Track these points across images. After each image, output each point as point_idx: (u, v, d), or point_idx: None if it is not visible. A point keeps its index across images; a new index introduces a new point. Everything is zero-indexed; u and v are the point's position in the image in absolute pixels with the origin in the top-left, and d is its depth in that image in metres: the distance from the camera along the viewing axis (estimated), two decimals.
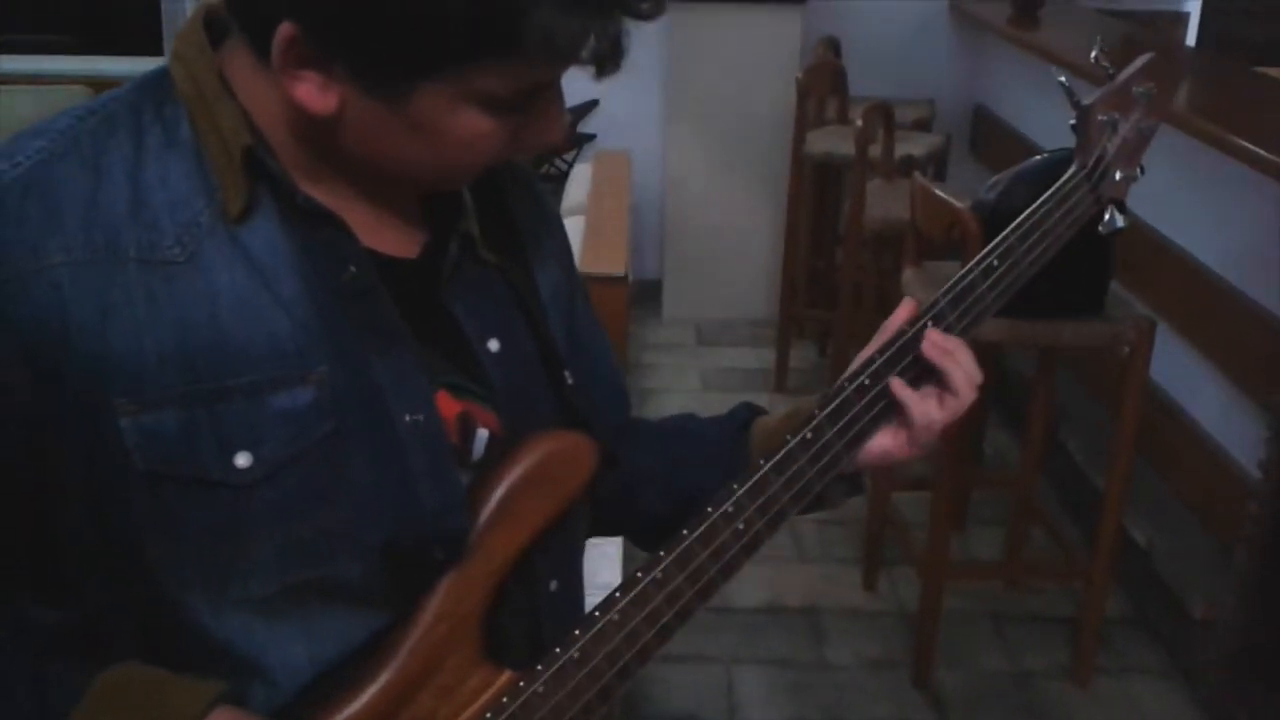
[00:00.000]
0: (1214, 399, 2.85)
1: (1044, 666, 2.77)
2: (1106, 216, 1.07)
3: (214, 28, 0.85)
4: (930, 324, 0.98)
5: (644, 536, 1.11)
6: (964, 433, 2.87)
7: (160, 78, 0.85)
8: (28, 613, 0.86)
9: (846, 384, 0.97)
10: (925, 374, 0.98)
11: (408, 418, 0.85)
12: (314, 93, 0.79)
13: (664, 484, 1.09)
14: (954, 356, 0.97)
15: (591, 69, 0.81)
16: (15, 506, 0.82)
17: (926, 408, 0.97)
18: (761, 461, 0.94)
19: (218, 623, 0.83)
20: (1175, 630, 2.78)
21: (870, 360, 0.97)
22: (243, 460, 0.80)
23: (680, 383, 4.16)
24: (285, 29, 0.76)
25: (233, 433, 0.80)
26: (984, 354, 1.09)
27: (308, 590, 0.84)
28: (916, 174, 2.80)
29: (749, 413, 1.10)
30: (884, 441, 0.99)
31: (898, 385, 0.97)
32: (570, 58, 0.79)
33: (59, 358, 0.78)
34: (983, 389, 1.00)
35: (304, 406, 0.81)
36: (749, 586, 3.00)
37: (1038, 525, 3.01)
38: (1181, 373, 2.94)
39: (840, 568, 3.12)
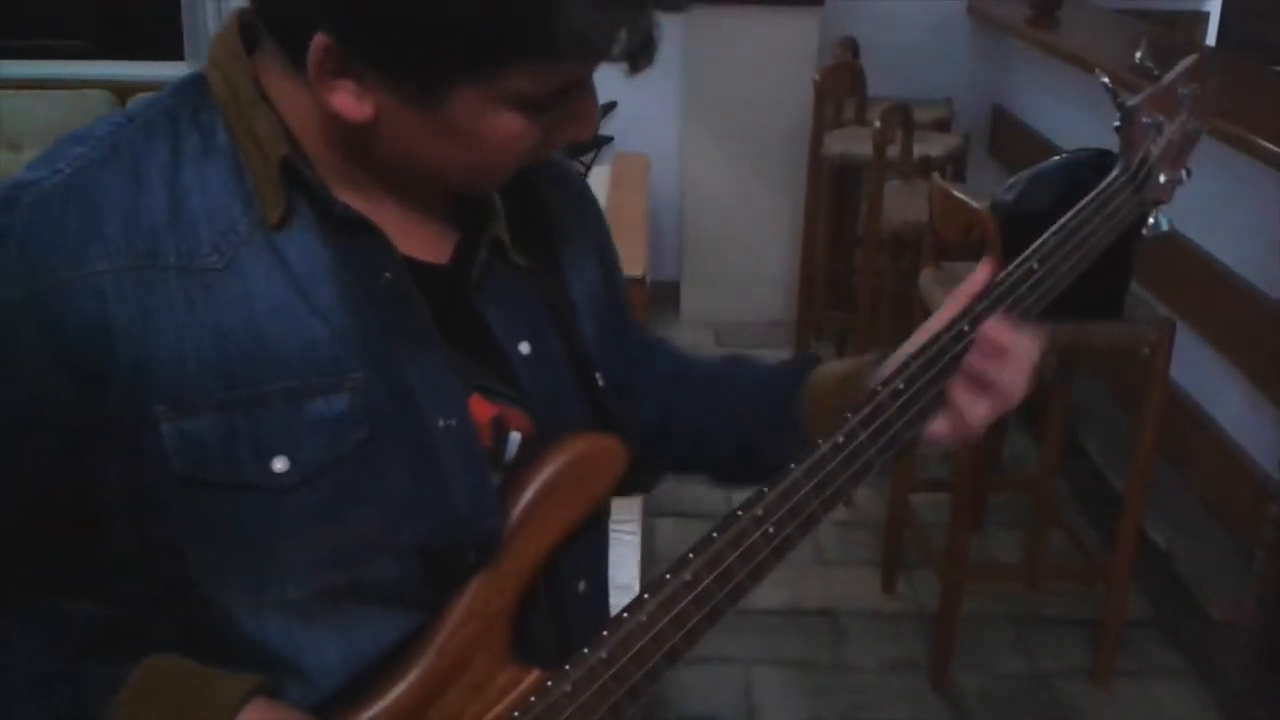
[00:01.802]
0: (1234, 400, 2.84)
1: (1063, 668, 2.76)
2: (1151, 220, 1.05)
3: (249, 33, 0.86)
4: (968, 327, 0.95)
5: (716, 477, 1.12)
6: (984, 434, 2.87)
7: (197, 83, 0.86)
8: (69, 610, 0.87)
9: (881, 388, 0.95)
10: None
11: (441, 422, 0.86)
12: (350, 101, 0.80)
13: (726, 428, 1.08)
14: (1005, 358, 0.93)
15: (624, 65, 0.81)
16: (57, 508, 0.84)
17: (973, 410, 0.94)
18: (793, 466, 0.93)
19: (256, 623, 0.84)
20: (1195, 632, 2.77)
21: (905, 365, 0.95)
22: (280, 465, 0.81)
23: None
24: (320, 39, 0.77)
25: (270, 438, 0.81)
26: None
27: (343, 592, 0.85)
28: (935, 175, 2.80)
29: (806, 364, 1.06)
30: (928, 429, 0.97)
31: (952, 388, 0.94)
32: (602, 55, 0.79)
33: (101, 363, 0.79)
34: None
35: (340, 412, 0.82)
36: (768, 588, 2.95)
37: (1056, 527, 3.01)
38: (1202, 374, 2.93)
39: (859, 569, 3.11)
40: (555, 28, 0.75)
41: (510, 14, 0.74)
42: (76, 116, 4.49)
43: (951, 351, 0.95)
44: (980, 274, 0.96)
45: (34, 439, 0.81)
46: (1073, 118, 3.83)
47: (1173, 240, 3.00)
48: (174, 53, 4.62)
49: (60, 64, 4.67)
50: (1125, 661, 2.75)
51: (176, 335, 0.79)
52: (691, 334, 4.56)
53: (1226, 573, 2.73)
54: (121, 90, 4.49)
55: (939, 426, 0.97)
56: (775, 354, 4.34)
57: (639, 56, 0.80)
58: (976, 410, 0.94)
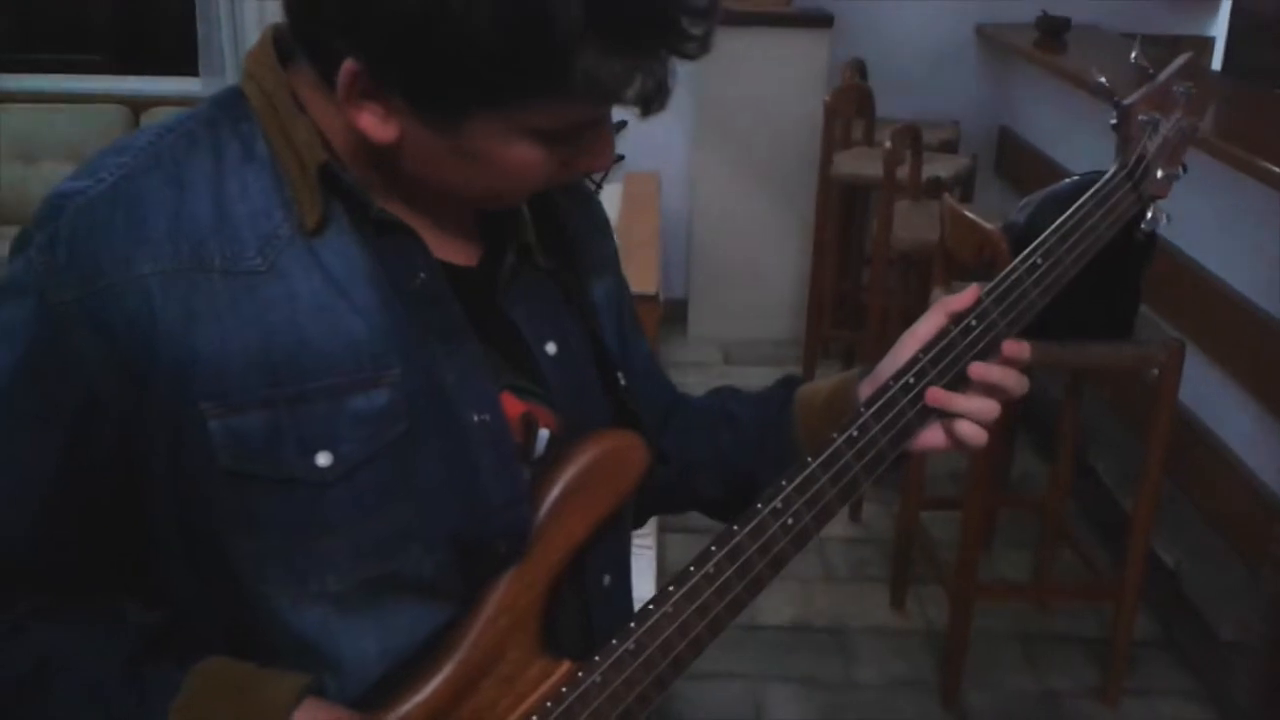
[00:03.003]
0: (1243, 421, 2.85)
1: (1072, 687, 2.77)
2: (1149, 215, 1.08)
3: (282, 46, 0.88)
4: (975, 322, 1.00)
5: (710, 513, 1.15)
6: (991, 453, 2.88)
7: (234, 96, 0.89)
8: (123, 611, 0.89)
9: (892, 382, 0.99)
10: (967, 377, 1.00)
11: (475, 417, 0.88)
12: (375, 123, 0.82)
13: (716, 470, 1.13)
14: (1002, 384, 1.00)
15: (637, 109, 0.83)
16: (108, 505, 0.86)
17: (975, 417, 1.00)
18: (809, 459, 0.96)
19: (296, 615, 0.86)
20: (1203, 652, 2.78)
21: (915, 359, 0.99)
22: (323, 459, 0.83)
23: None
24: (349, 65, 0.80)
25: (313, 433, 0.83)
26: None
27: (381, 584, 0.87)
28: (946, 195, 2.82)
29: (788, 390, 1.12)
30: (929, 438, 1.01)
31: (941, 395, 0.99)
32: (616, 97, 0.81)
33: (147, 363, 0.81)
34: (1012, 410, 1.01)
35: (380, 407, 0.84)
36: (777, 604, 3.01)
37: (1066, 546, 3.02)
38: (1210, 395, 2.95)
39: (868, 586, 3.12)
40: (570, 70, 0.77)
41: (527, 54, 0.76)
42: (91, 131, 4.53)
43: (959, 346, 1.00)
44: (967, 293, 1.01)
45: (88, 437, 0.83)
46: (1079, 139, 3.85)
47: (1182, 262, 3.03)
48: (189, 69, 4.65)
49: (75, 78, 4.71)
50: (1134, 681, 2.75)
51: (222, 335, 0.82)
52: (699, 352, 4.58)
53: (1235, 593, 2.74)
54: (136, 105, 4.53)
55: (936, 437, 1.01)
56: (783, 371, 4.35)
57: (652, 101, 0.82)
58: (968, 429, 1.00)
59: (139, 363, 0.81)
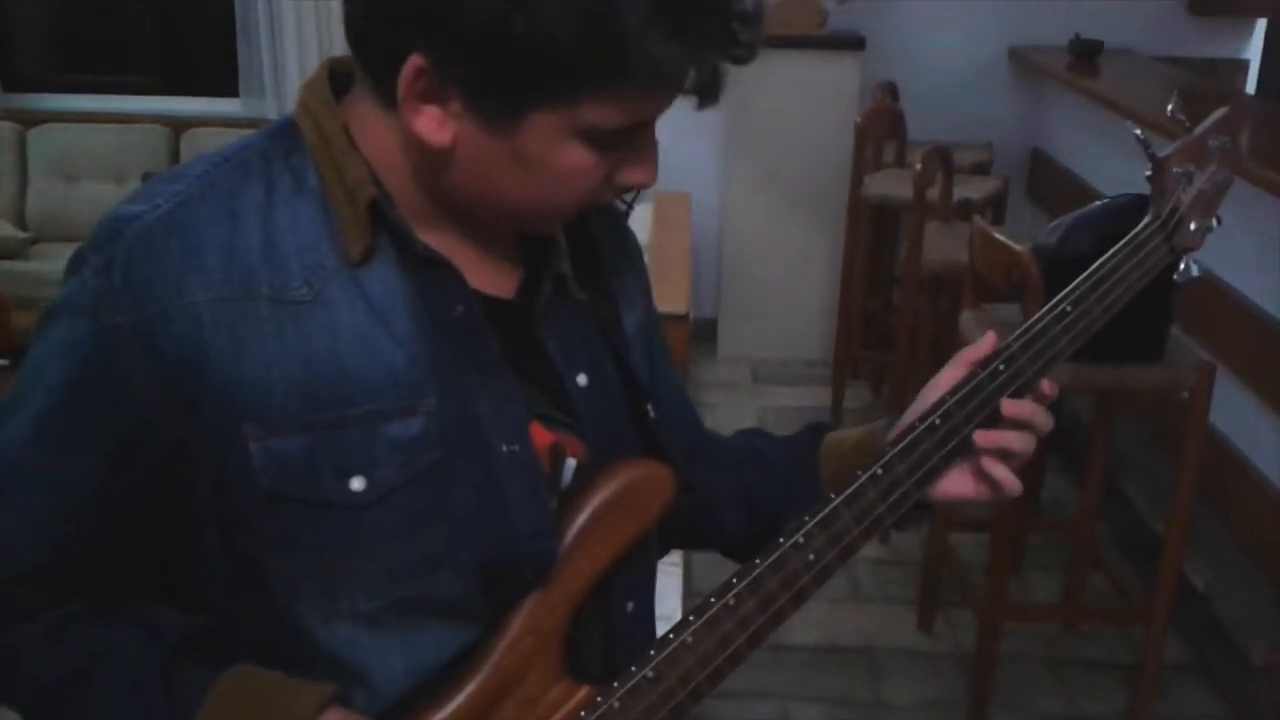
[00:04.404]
0: (1274, 443, 2.84)
1: (1101, 711, 2.75)
2: (1182, 266, 1.09)
3: (337, 81, 0.91)
4: (1003, 367, 1.01)
5: (731, 552, 1.16)
6: (1021, 476, 2.88)
7: (288, 128, 0.91)
8: (160, 616, 0.92)
9: (918, 423, 1.00)
10: (996, 418, 1.01)
11: (505, 447, 0.91)
12: (432, 126, 0.84)
13: (742, 508, 1.14)
14: (1032, 420, 1.02)
15: (694, 99, 0.85)
16: (152, 519, 0.89)
17: (1004, 468, 1.02)
18: (833, 495, 0.98)
19: (326, 632, 0.89)
20: (1233, 677, 2.76)
21: (942, 401, 1.01)
22: (358, 484, 0.86)
23: (736, 422, 4.18)
24: (414, 60, 0.81)
25: (350, 459, 0.85)
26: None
27: (410, 605, 0.89)
28: (976, 218, 2.83)
29: (816, 435, 1.14)
30: (958, 486, 1.03)
31: (981, 437, 1.01)
32: (675, 86, 0.83)
33: (196, 387, 0.84)
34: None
35: (414, 435, 0.87)
36: (805, 625, 3.01)
37: (1095, 569, 3.01)
38: (1242, 418, 2.94)
39: (896, 608, 3.12)
40: (631, 56, 0.79)
41: (595, 40, 0.78)
42: (132, 150, 4.59)
43: (986, 389, 1.01)
44: (985, 341, 1.03)
45: (134, 455, 0.86)
46: (1111, 162, 3.85)
47: (1213, 285, 3.02)
48: (230, 90, 4.72)
49: (118, 98, 4.78)
50: (1163, 705, 2.73)
51: (266, 361, 0.84)
52: (728, 371, 4.59)
53: (1265, 617, 2.72)
54: (177, 125, 4.60)
55: (965, 485, 1.04)
56: (812, 391, 4.37)
57: (708, 92, 0.85)
58: (1003, 471, 1.02)
59: (188, 388, 0.84)
